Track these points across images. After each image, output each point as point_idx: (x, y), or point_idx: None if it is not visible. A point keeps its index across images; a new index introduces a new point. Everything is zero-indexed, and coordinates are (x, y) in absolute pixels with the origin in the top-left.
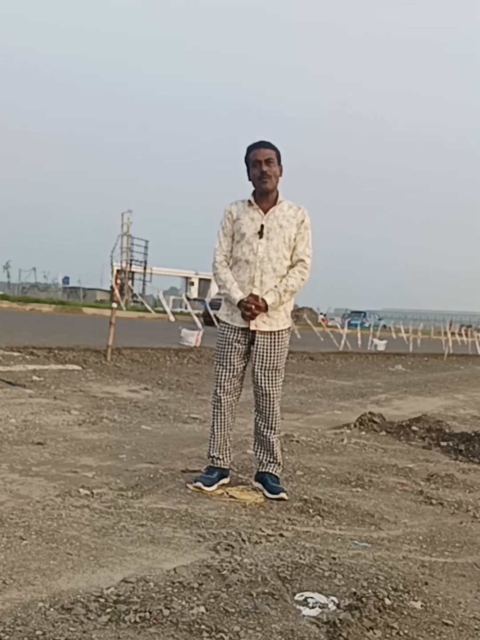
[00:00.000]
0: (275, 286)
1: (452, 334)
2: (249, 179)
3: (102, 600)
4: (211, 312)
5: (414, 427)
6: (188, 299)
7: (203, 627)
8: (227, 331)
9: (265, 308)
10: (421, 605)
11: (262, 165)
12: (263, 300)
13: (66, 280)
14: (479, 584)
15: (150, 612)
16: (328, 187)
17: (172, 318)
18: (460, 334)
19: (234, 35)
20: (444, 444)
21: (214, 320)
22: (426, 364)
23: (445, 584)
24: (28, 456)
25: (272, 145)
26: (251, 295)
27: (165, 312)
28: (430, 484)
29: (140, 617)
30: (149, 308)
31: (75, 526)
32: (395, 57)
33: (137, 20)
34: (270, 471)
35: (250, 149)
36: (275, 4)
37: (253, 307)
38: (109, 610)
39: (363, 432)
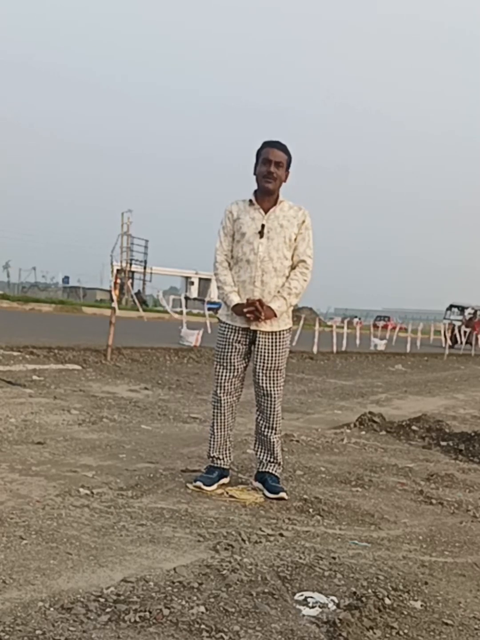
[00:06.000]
0: (279, 291)
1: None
2: (254, 173)
3: (102, 600)
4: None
5: (414, 427)
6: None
7: (203, 626)
8: (228, 331)
9: (274, 315)
10: (421, 605)
11: (270, 165)
12: (269, 308)
13: (66, 279)
14: (479, 584)
15: (150, 612)
16: (327, 185)
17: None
18: (462, 334)
19: (236, 33)
20: (444, 443)
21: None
22: (426, 363)
23: (445, 583)
24: (28, 456)
25: (287, 150)
26: (258, 301)
27: (165, 311)
28: (430, 483)
29: (140, 616)
30: (139, 307)
31: (75, 526)
32: (398, 52)
33: (138, 14)
34: (270, 471)
35: (265, 145)
36: None
37: (261, 316)
38: (109, 609)
39: (363, 432)
